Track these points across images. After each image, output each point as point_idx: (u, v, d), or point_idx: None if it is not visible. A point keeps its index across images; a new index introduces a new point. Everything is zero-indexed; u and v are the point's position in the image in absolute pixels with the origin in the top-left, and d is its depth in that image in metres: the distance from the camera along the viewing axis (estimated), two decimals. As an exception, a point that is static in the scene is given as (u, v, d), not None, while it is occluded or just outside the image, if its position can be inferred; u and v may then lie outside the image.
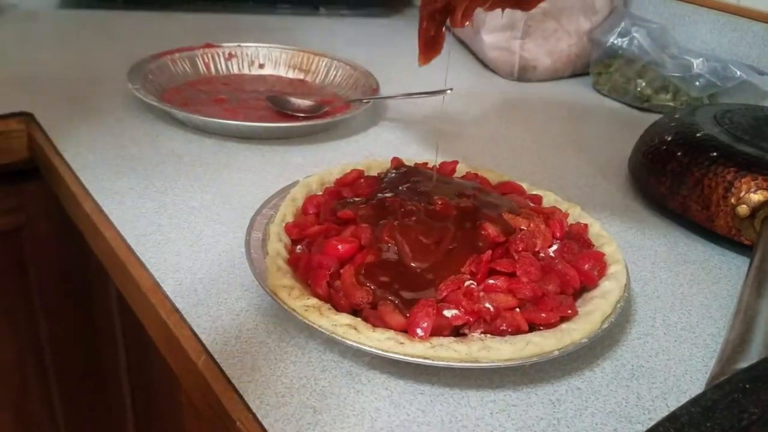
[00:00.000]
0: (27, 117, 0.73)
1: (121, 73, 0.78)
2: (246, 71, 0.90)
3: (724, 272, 0.57)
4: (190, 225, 0.56)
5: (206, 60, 0.87)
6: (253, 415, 0.39)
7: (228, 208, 0.59)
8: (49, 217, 0.81)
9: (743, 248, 0.59)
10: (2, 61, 0.88)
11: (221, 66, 0.88)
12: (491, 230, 0.47)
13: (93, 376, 0.93)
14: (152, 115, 0.75)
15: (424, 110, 0.84)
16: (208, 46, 0.88)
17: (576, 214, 0.56)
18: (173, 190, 0.61)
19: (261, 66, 0.90)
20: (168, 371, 0.67)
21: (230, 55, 0.89)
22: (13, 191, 0.78)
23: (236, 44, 0.90)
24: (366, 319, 0.43)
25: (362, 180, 0.55)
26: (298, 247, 0.50)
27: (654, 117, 0.76)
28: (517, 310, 0.44)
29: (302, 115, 0.77)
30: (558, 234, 0.50)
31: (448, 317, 0.42)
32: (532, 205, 0.55)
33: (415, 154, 0.71)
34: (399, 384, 0.42)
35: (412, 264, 0.45)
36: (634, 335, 0.48)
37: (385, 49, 1.08)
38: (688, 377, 0.44)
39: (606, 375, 0.44)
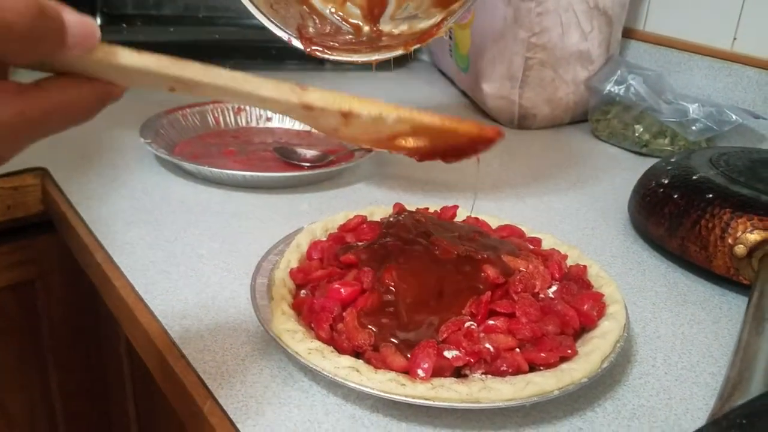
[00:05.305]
0: (41, 172, 0.76)
1: (133, 128, 0.81)
2: (254, 124, 0.93)
3: (724, 312, 0.57)
4: (198, 273, 0.58)
5: (216, 114, 0.90)
6: (257, 457, 0.39)
7: (235, 255, 0.61)
8: (61, 270, 0.83)
9: (742, 288, 0.59)
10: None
11: (230, 120, 0.91)
12: (491, 272, 0.48)
13: (102, 428, 0.93)
14: (163, 168, 0.78)
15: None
16: (218, 101, 0.91)
17: (575, 256, 0.57)
18: (182, 240, 0.63)
19: (268, 119, 0.93)
20: (176, 419, 0.67)
21: (239, 110, 0.92)
22: (26, 244, 0.80)
23: (244, 99, 0.93)
24: (368, 362, 0.43)
25: (365, 225, 0.57)
26: (303, 291, 0.51)
27: (652, 161, 0.77)
28: (518, 350, 0.44)
29: (308, 164, 0.79)
30: (557, 275, 0.51)
31: (449, 358, 0.43)
32: (531, 247, 0.56)
33: (418, 200, 0.73)
34: (401, 427, 0.42)
35: (410, 318, 0.46)
36: (635, 375, 0.48)
37: (389, 100, 1.10)
38: (689, 416, 0.45)
39: (607, 415, 0.44)
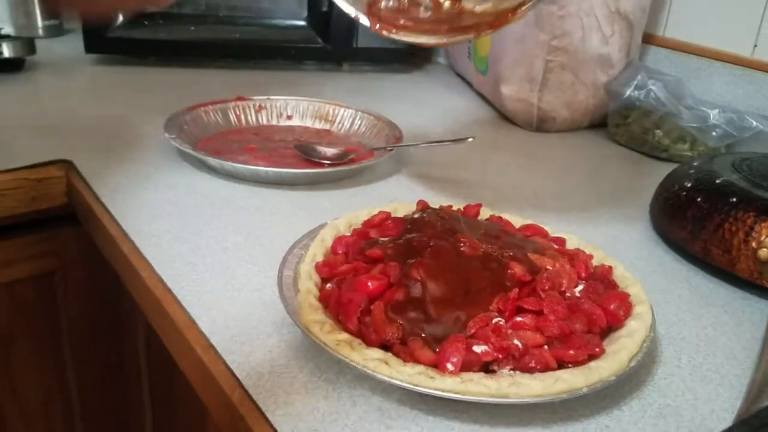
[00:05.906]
0: (66, 164, 0.76)
1: (157, 124, 0.81)
2: (275, 122, 0.93)
3: (747, 315, 0.57)
4: (224, 265, 0.58)
5: (238, 112, 0.91)
6: (287, 446, 0.40)
7: (259, 249, 0.61)
8: (82, 263, 0.84)
9: (765, 291, 0.59)
10: (43, 111, 0.93)
11: (251, 117, 0.92)
12: (518, 269, 0.48)
13: (119, 419, 0.93)
14: (187, 163, 0.78)
15: (446, 158, 0.86)
16: (240, 99, 0.92)
17: (599, 257, 0.57)
18: (207, 233, 0.63)
19: (289, 117, 0.94)
20: (193, 410, 0.68)
21: (260, 108, 0.93)
22: (49, 236, 0.81)
23: (266, 97, 0.94)
24: (396, 355, 0.44)
25: (389, 221, 0.57)
26: (328, 285, 0.51)
27: (672, 166, 0.77)
28: (545, 347, 0.45)
29: (328, 162, 0.80)
30: (583, 274, 0.51)
31: (477, 353, 0.43)
32: (556, 246, 0.56)
33: (438, 199, 0.73)
34: (429, 420, 0.43)
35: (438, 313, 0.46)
36: (660, 375, 0.48)
37: (407, 102, 1.11)
38: (714, 416, 0.45)
39: (634, 413, 0.44)
